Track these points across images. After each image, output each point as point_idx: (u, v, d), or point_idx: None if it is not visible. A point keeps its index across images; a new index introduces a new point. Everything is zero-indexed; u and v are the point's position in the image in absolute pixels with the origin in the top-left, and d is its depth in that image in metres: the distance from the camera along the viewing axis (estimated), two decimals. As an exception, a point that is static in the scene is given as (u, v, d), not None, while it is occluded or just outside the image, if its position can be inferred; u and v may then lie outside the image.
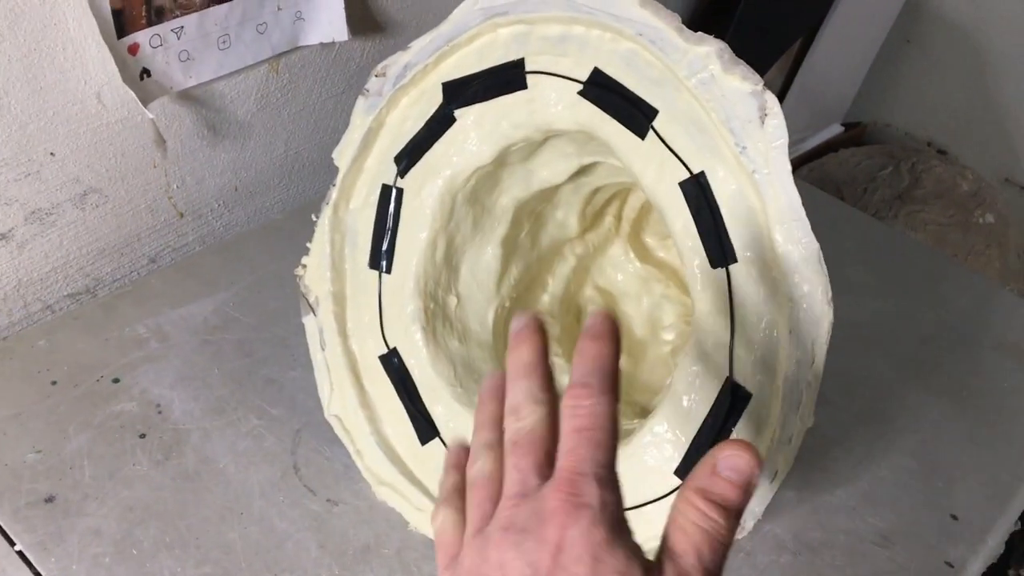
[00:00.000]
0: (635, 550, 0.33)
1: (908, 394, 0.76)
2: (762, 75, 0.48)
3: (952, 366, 0.79)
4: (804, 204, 0.47)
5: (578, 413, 0.35)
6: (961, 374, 0.78)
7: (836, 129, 2.01)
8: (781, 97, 1.72)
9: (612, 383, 0.36)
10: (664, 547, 0.34)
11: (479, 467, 0.39)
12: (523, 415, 0.37)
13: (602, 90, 0.53)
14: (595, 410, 0.35)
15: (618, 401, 0.36)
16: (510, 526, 0.34)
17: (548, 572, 0.32)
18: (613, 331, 0.37)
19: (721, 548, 0.34)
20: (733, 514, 0.34)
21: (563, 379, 0.67)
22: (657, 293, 0.74)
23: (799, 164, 1.86)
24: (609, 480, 0.34)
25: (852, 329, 0.81)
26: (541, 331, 0.39)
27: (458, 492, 0.41)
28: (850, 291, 0.85)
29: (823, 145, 1.94)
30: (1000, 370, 0.79)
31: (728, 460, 0.34)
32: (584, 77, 0.54)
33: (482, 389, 0.42)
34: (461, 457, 0.43)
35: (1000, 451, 0.71)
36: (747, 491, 0.34)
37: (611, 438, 0.35)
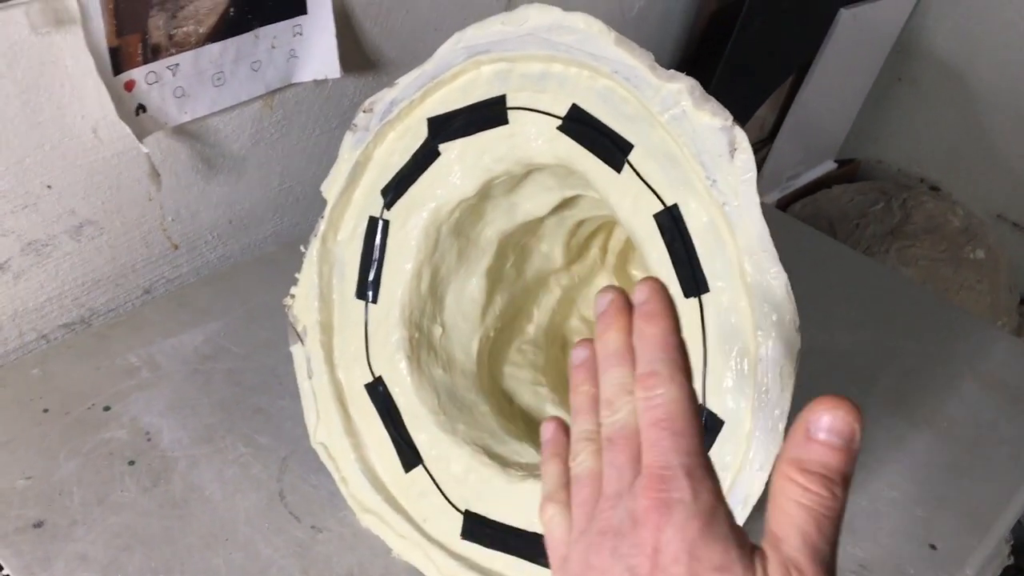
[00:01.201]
0: (737, 539, 0.31)
1: (890, 425, 0.76)
2: (752, 113, 0.50)
3: (934, 398, 0.80)
4: (793, 240, 0.49)
5: (652, 404, 0.34)
6: (943, 406, 0.79)
7: (829, 165, 2.04)
8: (773, 134, 1.74)
9: (680, 363, 0.35)
10: (767, 532, 0.31)
11: (580, 462, 0.38)
12: (616, 407, 0.36)
13: (580, 125, 0.55)
14: (668, 397, 0.34)
15: (691, 383, 0.35)
16: (607, 529, 0.34)
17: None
18: (668, 305, 0.36)
19: (829, 524, 0.31)
20: (838, 482, 0.31)
21: (547, 408, 0.68)
22: (642, 324, 0.75)
23: (792, 200, 1.88)
24: (698, 467, 0.32)
25: (836, 360, 0.82)
26: (627, 309, 0.38)
27: (562, 486, 0.40)
28: (835, 324, 0.86)
29: (816, 181, 1.96)
30: (981, 403, 0.80)
31: (820, 421, 0.31)
32: (563, 113, 0.56)
33: (572, 362, 0.41)
34: (559, 443, 0.42)
35: (979, 482, 0.72)
36: (850, 451, 0.31)
37: (691, 423, 0.33)
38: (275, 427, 0.70)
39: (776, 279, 0.48)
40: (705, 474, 0.32)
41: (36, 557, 0.58)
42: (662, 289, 0.36)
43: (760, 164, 1.68)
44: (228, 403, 0.71)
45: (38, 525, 0.60)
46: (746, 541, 0.32)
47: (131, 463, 0.66)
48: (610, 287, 0.39)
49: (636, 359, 0.35)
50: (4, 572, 0.58)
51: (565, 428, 0.43)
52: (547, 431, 0.43)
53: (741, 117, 0.50)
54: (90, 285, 0.79)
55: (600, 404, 0.38)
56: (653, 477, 0.32)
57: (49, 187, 0.71)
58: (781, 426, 0.49)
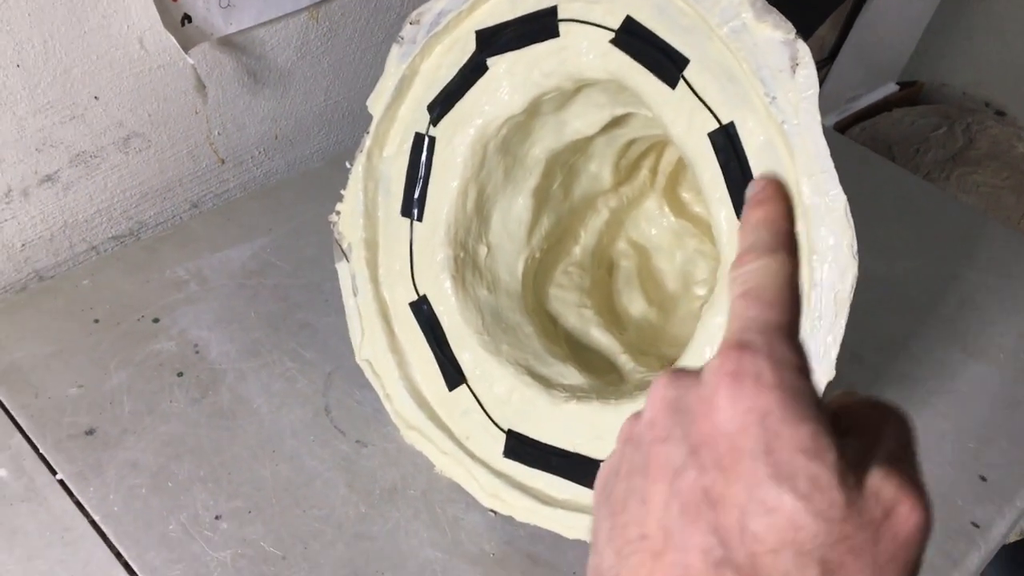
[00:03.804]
0: (828, 425, 0.25)
1: (943, 355, 0.75)
2: (812, 32, 0.47)
3: (990, 328, 0.78)
4: (851, 164, 0.47)
5: (744, 278, 0.28)
6: (998, 336, 0.77)
7: (891, 88, 1.97)
8: (834, 54, 1.68)
9: (783, 240, 0.29)
10: None
11: None
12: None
13: (634, 39, 0.53)
14: (763, 271, 0.28)
15: (797, 264, 0.29)
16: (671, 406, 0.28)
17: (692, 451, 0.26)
18: (780, 192, 0.30)
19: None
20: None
21: (592, 331, 0.67)
22: (691, 248, 0.74)
23: (851, 123, 1.83)
24: (784, 343, 0.26)
25: (891, 288, 0.80)
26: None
27: None
28: (891, 251, 0.84)
29: (877, 104, 1.90)
30: (1040, 334, 0.78)
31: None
32: (616, 25, 0.53)
33: None
34: None
35: (1035, 415, 0.70)
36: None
37: (786, 296, 0.27)
38: (321, 342, 0.70)
39: (835, 201, 0.46)
40: (793, 353, 0.26)
41: (88, 463, 0.60)
42: (776, 181, 0.31)
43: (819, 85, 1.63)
44: (274, 318, 0.72)
45: (90, 432, 0.62)
46: (837, 430, 0.25)
47: (180, 374, 0.66)
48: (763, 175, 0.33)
49: (739, 244, 0.30)
50: (58, 477, 0.59)
51: None
52: None
53: (801, 35, 0.47)
54: (138, 198, 0.79)
55: None
56: (727, 349, 0.26)
57: (96, 98, 0.70)
58: (833, 353, 0.47)
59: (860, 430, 0.26)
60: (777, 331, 0.26)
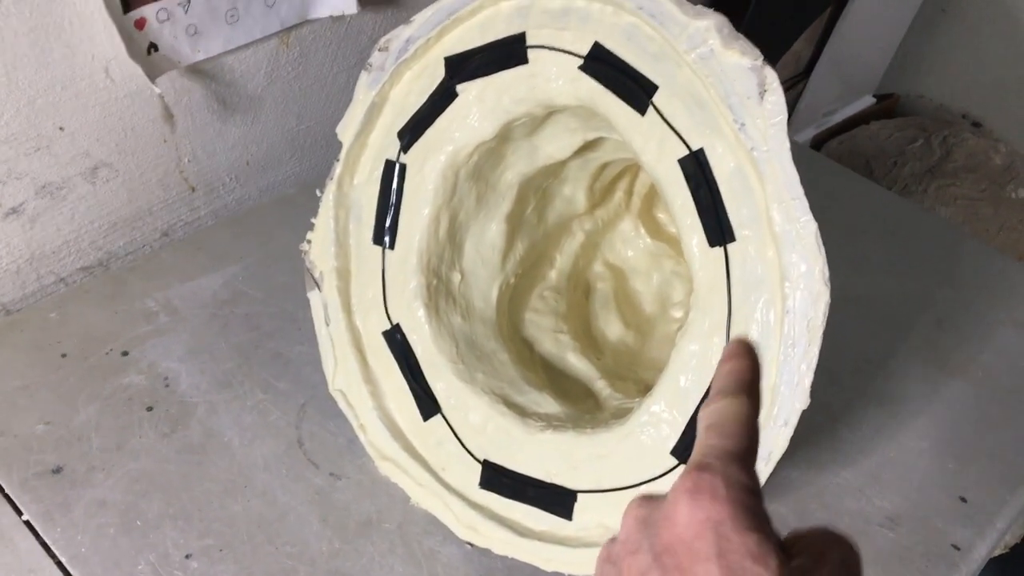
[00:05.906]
0: (775, 537, 0.29)
1: (922, 374, 0.74)
2: (788, 46, 0.47)
3: (968, 346, 0.77)
4: (825, 181, 0.47)
5: (709, 415, 0.34)
6: (977, 354, 0.77)
7: (867, 101, 1.98)
8: (810, 68, 1.69)
9: (746, 388, 0.35)
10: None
11: None
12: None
13: (602, 65, 0.52)
14: (725, 409, 0.34)
15: (757, 407, 0.35)
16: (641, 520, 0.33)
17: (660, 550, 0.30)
18: (748, 351, 0.38)
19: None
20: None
21: (568, 356, 0.67)
22: (667, 270, 0.73)
23: (828, 137, 1.83)
24: (739, 470, 0.31)
25: (867, 307, 0.80)
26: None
27: None
28: (867, 269, 0.84)
29: (854, 117, 1.91)
30: (1017, 350, 0.77)
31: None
32: (585, 52, 0.53)
33: None
34: None
35: (1013, 433, 0.70)
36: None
37: (744, 432, 0.33)
38: (293, 373, 0.69)
39: (805, 228, 0.46)
40: (745, 476, 0.31)
41: (55, 503, 0.59)
42: (746, 342, 0.39)
43: (796, 100, 1.63)
44: (246, 348, 0.71)
45: (57, 471, 0.61)
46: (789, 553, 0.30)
47: (149, 409, 0.65)
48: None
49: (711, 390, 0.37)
50: (24, 517, 0.58)
51: None
52: None
53: (777, 50, 0.47)
54: (107, 228, 0.78)
55: None
56: (689, 470, 0.31)
57: (61, 129, 0.69)
58: (807, 380, 0.47)
59: (810, 553, 0.30)
60: (733, 457, 0.31)
